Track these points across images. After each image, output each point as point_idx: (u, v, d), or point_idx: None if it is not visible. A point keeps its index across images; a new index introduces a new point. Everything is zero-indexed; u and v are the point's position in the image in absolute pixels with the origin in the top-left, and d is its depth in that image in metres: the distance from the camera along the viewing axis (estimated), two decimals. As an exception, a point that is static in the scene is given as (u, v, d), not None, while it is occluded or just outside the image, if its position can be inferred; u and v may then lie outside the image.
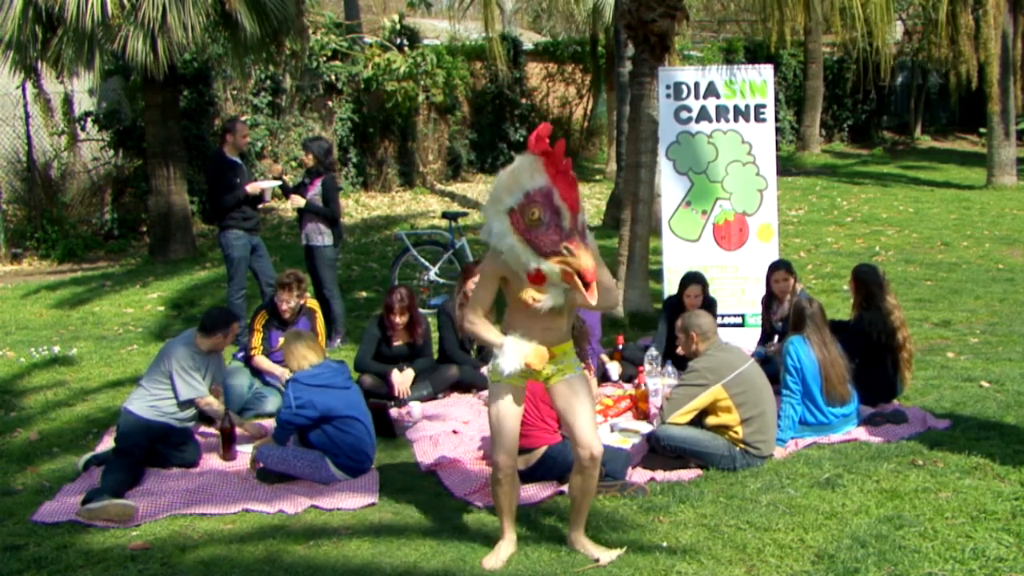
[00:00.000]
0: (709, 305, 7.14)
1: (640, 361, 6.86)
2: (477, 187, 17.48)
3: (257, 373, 6.64)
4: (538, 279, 3.70)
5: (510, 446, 4.00)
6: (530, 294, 3.73)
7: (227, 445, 5.58)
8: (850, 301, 6.53)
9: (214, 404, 5.56)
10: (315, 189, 7.85)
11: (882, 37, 10.88)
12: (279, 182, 8.22)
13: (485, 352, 6.57)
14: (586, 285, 3.60)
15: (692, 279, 7.15)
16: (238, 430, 5.79)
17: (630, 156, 8.60)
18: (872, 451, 5.18)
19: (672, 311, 7.26)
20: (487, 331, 3.98)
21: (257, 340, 6.66)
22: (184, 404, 5.47)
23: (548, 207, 3.59)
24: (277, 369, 6.47)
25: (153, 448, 5.35)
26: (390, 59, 15.31)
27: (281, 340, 6.56)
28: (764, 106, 8.17)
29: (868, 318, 6.04)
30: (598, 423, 5.88)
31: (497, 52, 14.80)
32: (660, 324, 7.26)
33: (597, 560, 4.02)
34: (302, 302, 6.74)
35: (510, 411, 3.99)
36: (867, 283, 6.19)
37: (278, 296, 6.64)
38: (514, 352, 3.84)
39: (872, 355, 5.96)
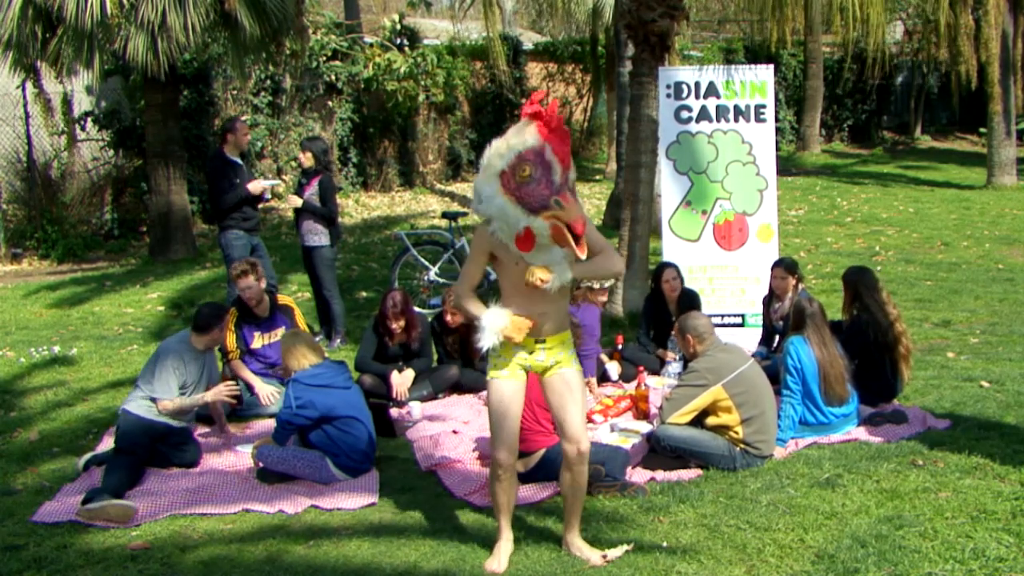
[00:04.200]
0: (690, 296, 7.16)
1: (640, 361, 6.88)
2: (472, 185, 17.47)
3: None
4: (527, 241, 3.69)
5: (511, 442, 3.97)
6: (537, 276, 3.70)
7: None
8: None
9: (169, 407, 5.41)
10: (312, 189, 7.84)
11: (880, 36, 10.88)
12: (279, 181, 8.21)
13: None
14: (576, 239, 3.60)
15: (666, 264, 7.25)
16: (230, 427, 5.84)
17: (630, 156, 8.60)
18: (872, 451, 5.18)
19: (651, 304, 7.30)
20: (472, 306, 3.96)
21: (232, 342, 6.50)
22: (152, 400, 5.41)
23: (540, 163, 3.61)
24: (254, 380, 6.38)
25: (154, 448, 5.35)
26: (390, 59, 15.31)
27: (256, 336, 6.54)
28: (764, 106, 8.18)
29: (865, 319, 6.04)
30: (598, 423, 5.91)
31: (498, 52, 14.80)
32: (641, 321, 7.30)
33: (604, 556, 4.01)
34: (262, 286, 6.59)
35: (511, 407, 3.97)
36: (855, 285, 6.19)
37: (238, 286, 6.47)
38: (492, 325, 3.82)
39: (869, 356, 5.95)
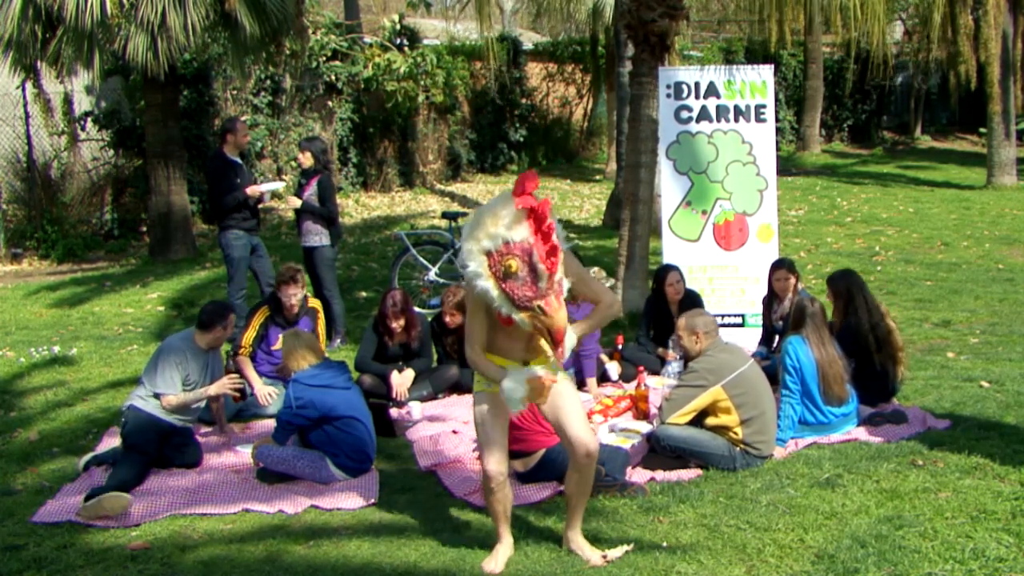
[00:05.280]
0: (693, 298, 7.16)
1: (640, 361, 6.87)
2: (477, 187, 17.48)
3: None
4: (507, 322, 3.72)
5: (499, 454, 3.98)
6: (547, 387, 3.79)
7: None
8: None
9: (173, 402, 5.42)
10: (311, 189, 7.84)
11: (880, 37, 10.87)
12: (281, 184, 8.20)
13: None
14: (555, 343, 3.63)
15: (669, 267, 7.22)
16: (232, 426, 5.84)
17: (630, 156, 8.60)
18: (872, 451, 5.18)
19: (653, 305, 7.29)
20: (487, 368, 3.92)
21: (249, 339, 6.53)
22: (156, 396, 5.42)
23: (527, 263, 3.56)
24: (255, 380, 6.37)
25: (159, 447, 5.34)
26: (390, 59, 15.31)
27: (280, 338, 6.55)
28: (764, 106, 8.18)
29: (853, 323, 6.01)
30: (599, 423, 5.91)
31: (492, 54, 14.77)
32: (642, 321, 7.29)
33: (604, 557, 4.02)
34: (305, 296, 6.68)
35: (496, 419, 3.98)
36: (838, 290, 6.15)
37: (282, 292, 6.54)
38: (514, 394, 3.76)
39: (862, 357, 5.93)
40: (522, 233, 3.56)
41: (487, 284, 3.63)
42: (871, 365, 5.94)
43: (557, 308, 3.58)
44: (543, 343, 3.70)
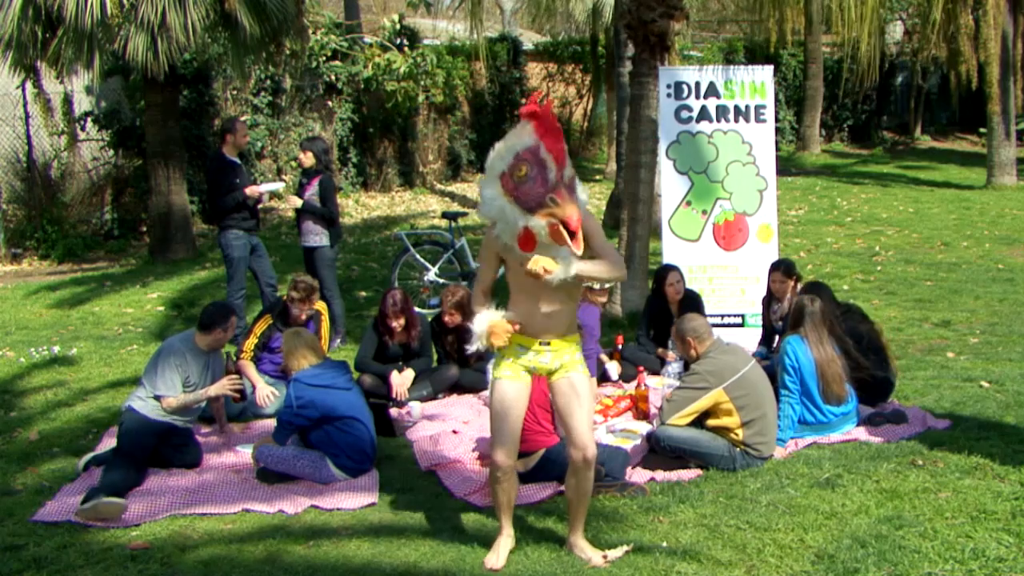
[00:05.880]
0: (693, 298, 7.16)
1: (640, 361, 6.87)
2: (477, 187, 17.47)
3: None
4: (528, 241, 3.73)
5: (510, 444, 3.99)
6: (540, 265, 3.68)
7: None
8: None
9: (173, 404, 5.41)
10: (312, 189, 7.85)
11: (874, 40, 10.89)
12: (281, 184, 8.20)
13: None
14: (571, 235, 3.62)
15: (669, 267, 7.23)
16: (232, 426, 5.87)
17: (630, 156, 8.60)
18: (872, 451, 5.18)
19: (653, 305, 7.29)
20: (478, 310, 4.03)
21: (250, 346, 6.55)
22: (156, 398, 5.42)
23: (535, 161, 3.66)
24: (257, 381, 6.37)
25: (156, 448, 5.34)
26: (390, 59, 15.31)
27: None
28: (764, 106, 8.19)
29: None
30: (598, 423, 5.90)
31: (485, 58, 14.75)
32: (642, 321, 7.28)
33: (605, 557, 4.02)
34: (314, 308, 6.72)
35: (512, 409, 3.98)
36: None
37: (297, 306, 6.55)
38: (478, 329, 3.90)
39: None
40: (529, 140, 3.69)
41: (501, 202, 3.72)
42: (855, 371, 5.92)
43: (568, 198, 3.63)
44: (561, 232, 3.62)
